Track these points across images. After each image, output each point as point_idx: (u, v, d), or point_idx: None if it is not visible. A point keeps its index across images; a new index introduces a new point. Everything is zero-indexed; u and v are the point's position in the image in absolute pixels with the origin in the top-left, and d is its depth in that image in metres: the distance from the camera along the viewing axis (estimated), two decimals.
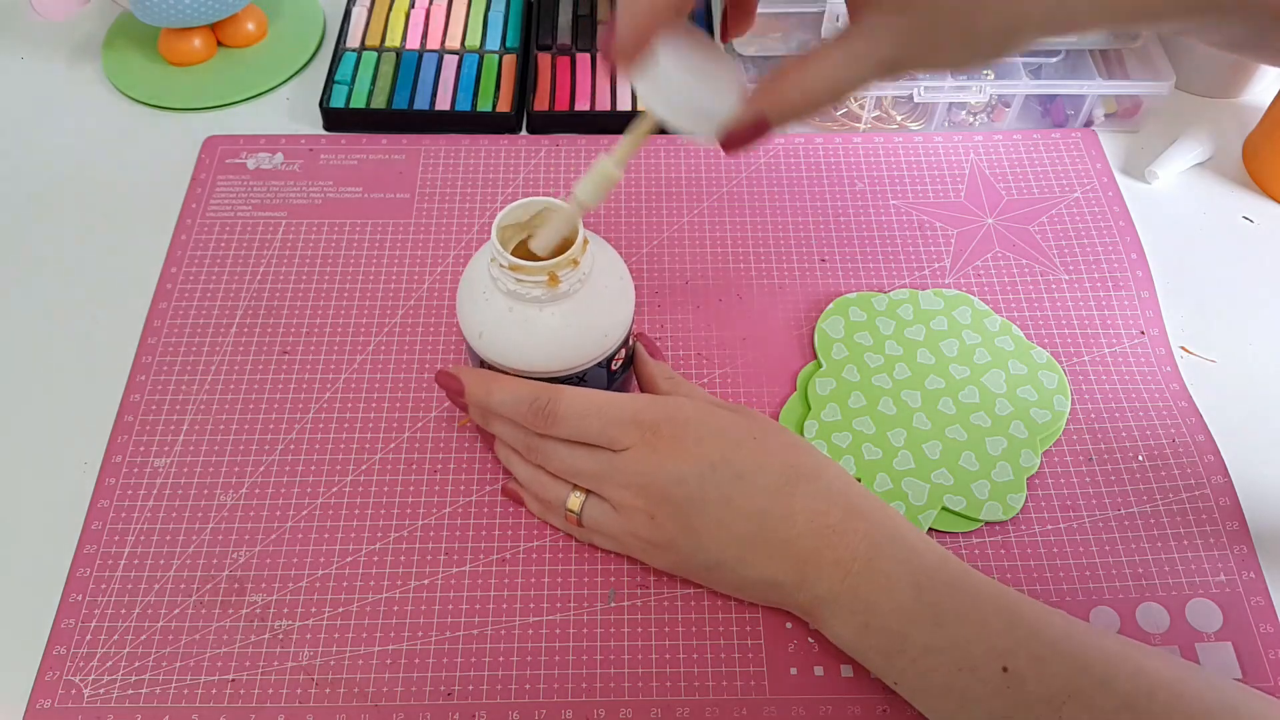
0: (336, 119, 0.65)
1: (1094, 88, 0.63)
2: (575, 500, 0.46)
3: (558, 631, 0.46)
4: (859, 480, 0.49)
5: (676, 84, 0.39)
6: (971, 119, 0.65)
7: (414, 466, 0.51)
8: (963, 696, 0.39)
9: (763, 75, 0.64)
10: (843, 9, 0.60)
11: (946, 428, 0.51)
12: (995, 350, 0.54)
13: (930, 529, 0.48)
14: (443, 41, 0.68)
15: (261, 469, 0.51)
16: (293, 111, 0.66)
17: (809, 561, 0.42)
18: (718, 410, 0.45)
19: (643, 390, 0.50)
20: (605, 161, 0.42)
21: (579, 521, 0.46)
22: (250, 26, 0.69)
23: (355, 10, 0.70)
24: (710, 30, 0.68)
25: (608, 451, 0.44)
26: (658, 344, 0.55)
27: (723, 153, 0.42)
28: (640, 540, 0.45)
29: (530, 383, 0.45)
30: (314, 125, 0.65)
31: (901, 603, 0.40)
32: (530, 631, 0.46)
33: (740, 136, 0.40)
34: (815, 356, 0.54)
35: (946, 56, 0.37)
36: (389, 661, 0.45)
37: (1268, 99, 0.64)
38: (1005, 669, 0.38)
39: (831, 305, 0.56)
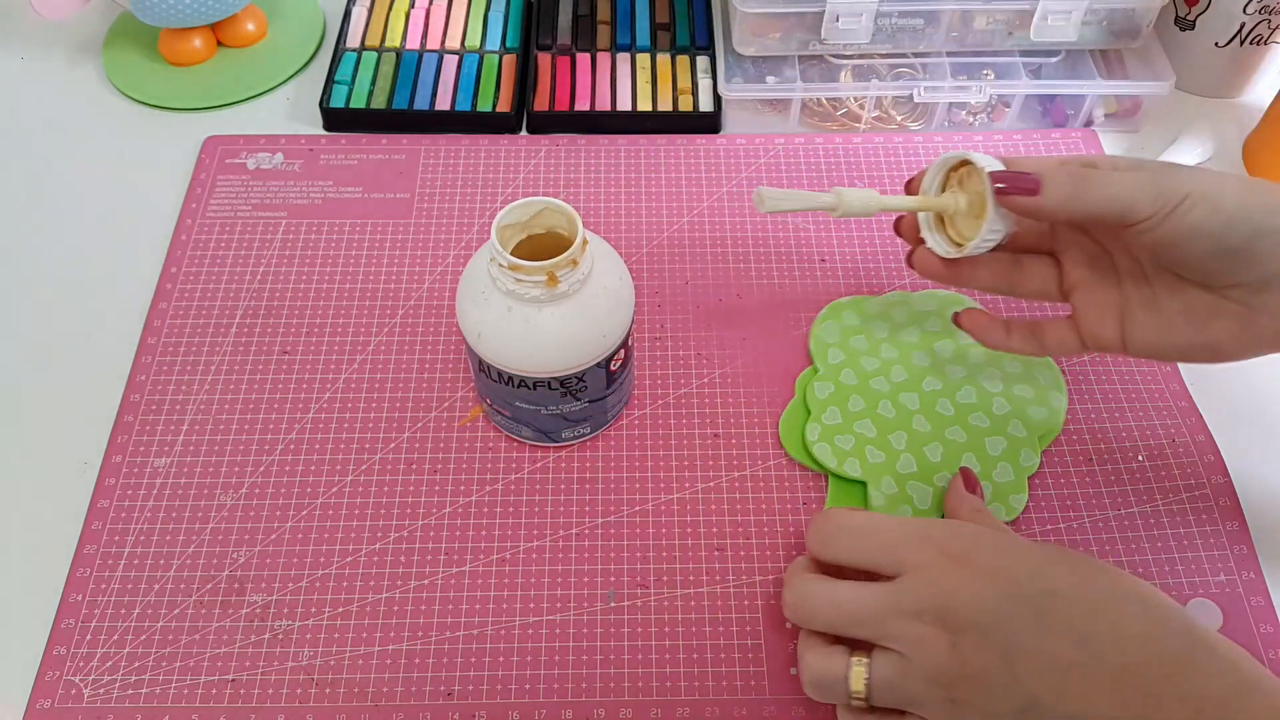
0: (336, 119, 0.65)
1: (1094, 88, 0.63)
2: (859, 672, 0.37)
3: (558, 631, 0.46)
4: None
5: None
6: (971, 119, 0.65)
7: (414, 466, 0.51)
8: None
9: (770, 75, 0.64)
10: (843, 9, 0.60)
11: (946, 429, 0.51)
12: (990, 349, 0.54)
13: None
14: (443, 41, 0.68)
15: (261, 469, 0.51)
16: (293, 111, 0.66)
17: (1152, 695, 0.34)
18: (1016, 536, 0.40)
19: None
20: (878, 195, 0.46)
21: (868, 699, 0.38)
22: (250, 26, 0.69)
23: (355, 10, 0.70)
24: (709, 23, 0.68)
25: (887, 583, 0.38)
26: (657, 343, 0.55)
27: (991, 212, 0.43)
28: (939, 683, 0.36)
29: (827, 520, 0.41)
30: (314, 125, 0.65)
31: None
32: (530, 631, 0.46)
33: (1014, 176, 0.41)
34: (811, 361, 0.54)
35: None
36: (389, 661, 0.45)
37: (1268, 99, 0.64)
38: None
39: (825, 310, 0.55)
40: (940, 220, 0.47)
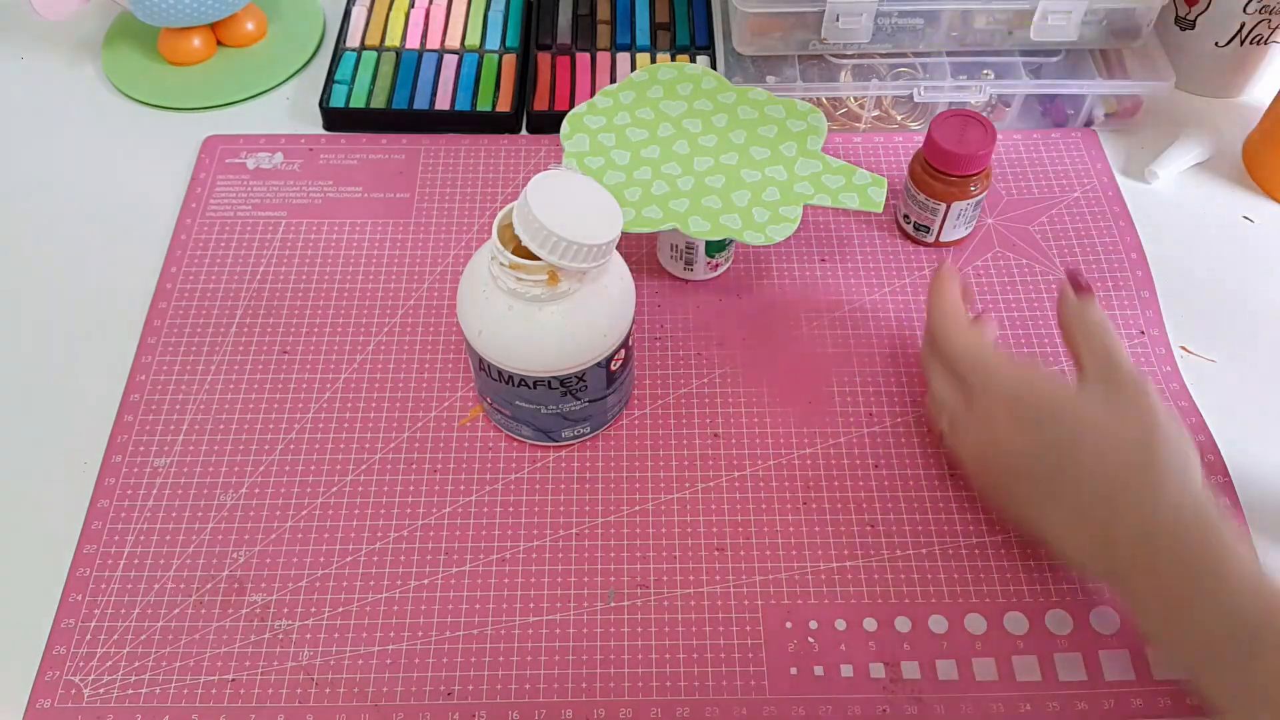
0: (336, 119, 0.65)
1: (1094, 88, 0.63)
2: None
3: (558, 631, 0.46)
4: None
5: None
6: None
7: (414, 466, 0.51)
8: None
9: (770, 75, 0.64)
10: (843, 9, 0.60)
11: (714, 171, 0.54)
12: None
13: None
14: (443, 41, 0.68)
15: (261, 469, 0.51)
16: (293, 111, 0.66)
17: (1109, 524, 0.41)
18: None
19: (1065, 333, 0.47)
20: None
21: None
22: (250, 26, 0.69)
23: (355, 10, 0.70)
24: (709, 23, 0.68)
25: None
26: (657, 343, 0.55)
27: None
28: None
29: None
30: (314, 125, 0.65)
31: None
32: (530, 631, 0.46)
33: None
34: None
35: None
36: (389, 661, 0.45)
37: (1268, 99, 0.64)
38: None
39: (566, 125, 0.55)
40: None
